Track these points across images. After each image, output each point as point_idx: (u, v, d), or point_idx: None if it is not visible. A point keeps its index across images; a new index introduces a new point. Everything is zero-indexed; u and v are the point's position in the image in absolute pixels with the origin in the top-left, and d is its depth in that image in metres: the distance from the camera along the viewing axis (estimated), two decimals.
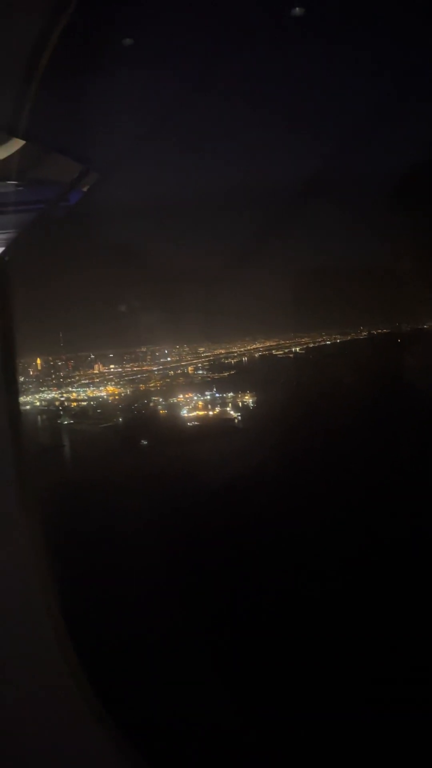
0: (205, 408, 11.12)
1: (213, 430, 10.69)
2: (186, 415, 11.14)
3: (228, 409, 11.04)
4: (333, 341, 11.23)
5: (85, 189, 5.26)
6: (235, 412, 11.00)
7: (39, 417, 11.77)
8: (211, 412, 11.02)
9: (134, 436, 10.81)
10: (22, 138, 5.02)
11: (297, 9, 4.74)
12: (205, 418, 10.97)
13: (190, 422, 11.02)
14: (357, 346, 10.83)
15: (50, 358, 11.98)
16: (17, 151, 5.14)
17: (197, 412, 11.11)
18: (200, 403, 11.20)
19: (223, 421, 10.85)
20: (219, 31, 4.63)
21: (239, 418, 10.91)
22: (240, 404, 11.09)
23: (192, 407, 11.20)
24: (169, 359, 12.03)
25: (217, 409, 11.04)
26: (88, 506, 8.72)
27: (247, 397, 11.13)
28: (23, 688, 2.63)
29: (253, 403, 11.08)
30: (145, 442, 10.65)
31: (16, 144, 5.13)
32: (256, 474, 8.22)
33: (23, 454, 2.83)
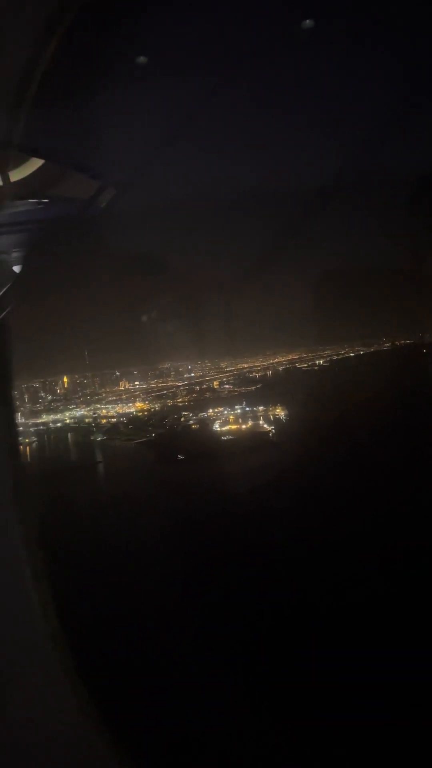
0: (237, 422, 11.06)
1: (249, 444, 10.60)
2: (219, 429, 11.12)
3: (261, 422, 10.95)
4: (356, 353, 11.17)
5: (103, 204, 5.36)
6: (269, 425, 10.91)
7: (70, 434, 11.92)
8: (243, 426, 10.94)
9: (170, 451, 10.75)
10: (41, 157, 5.16)
11: (307, 21, 4.78)
12: (239, 432, 10.90)
13: (224, 436, 10.99)
14: (382, 357, 10.75)
15: (76, 376, 12.14)
16: (36, 171, 5.28)
17: (230, 426, 11.07)
18: (231, 417, 11.16)
19: (257, 435, 10.75)
20: (231, 43, 4.70)
21: (273, 431, 10.82)
22: (272, 418, 11.00)
23: (224, 421, 11.17)
24: (192, 374, 12.09)
25: (250, 423, 10.95)
26: (127, 521, 8.75)
27: (278, 411, 11.03)
28: (23, 700, 2.64)
29: (285, 416, 10.96)
30: (182, 457, 10.62)
31: (35, 164, 5.27)
32: (299, 488, 8.15)
33: (21, 472, 2.87)
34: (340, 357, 11.36)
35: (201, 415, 11.40)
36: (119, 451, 11.52)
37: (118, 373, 12.18)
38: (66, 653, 2.88)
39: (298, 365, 11.88)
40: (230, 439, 10.87)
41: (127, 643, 6.10)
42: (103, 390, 12.21)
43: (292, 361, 11.96)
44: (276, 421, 10.95)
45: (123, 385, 12.24)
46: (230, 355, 11.84)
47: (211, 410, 11.40)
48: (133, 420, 11.78)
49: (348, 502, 8.02)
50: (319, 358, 11.58)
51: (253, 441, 10.62)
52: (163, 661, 5.68)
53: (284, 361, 12.05)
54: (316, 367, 11.55)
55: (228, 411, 11.25)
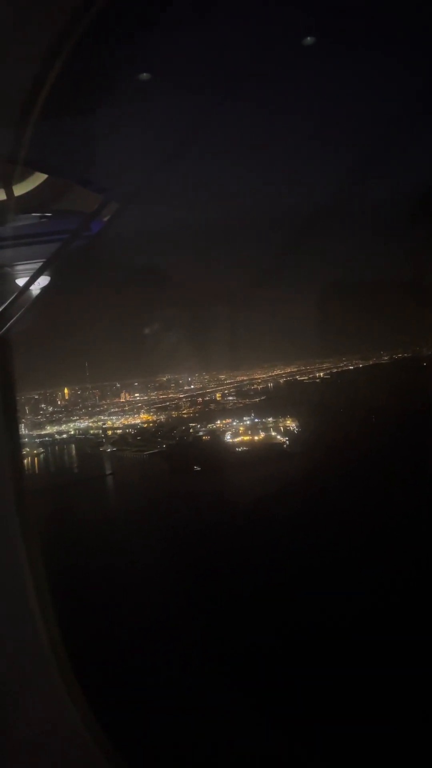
0: (248, 433, 11.04)
1: (265, 455, 10.58)
2: (232, 440, 11.10)
3: (273, 434, 10.94)
4: (356, 366, 11.22)
5: (106, 219, 5.40)
6: (281, 437, 10.90)
7: (74, 445, 11.94)
8: (256, 438, 10.93)
9: (186, 462, 10.73)
10: (45, 172, 5.21)
11: (308, 38, 4.82)
12: (252, 443, 10.89)
13: (238, 447, 10.97)
14: (383, 370, 10.79)
15: (77, 388, 12.17)
16: (40, 185, 5.34)
17: (242, 437, 11.05)
18: (241, 428, 11.15)
19: (272, 446, 10.74)
20: (231, 62, 4.75)
21: (288, 443, 10.80)
22: (282, 429, 11.00)
23: (235, 433, 11.17)
24: (192, 386, 12.12)
25: (262, 435, 10.94)
26: (144, 532, 8.68)
27: (288, 422, 11.04)
28: (24, 711, 2.64)
29: (296, 428, 10.94)
30: (198, 468, 10.59)
31: (38, 178, 5.32)
32: (322, 499, 8.11)
33: (23, 484, 2.88)
34: (339, 370, 11.41)
35: (210, 426, 11.45)
36: (130, 462, 11.52)
37: (118, 385, 12.22)
38: (67, 665, 2.87)
39: (298, 378, 11.92)
40: (245, 450, 10.84)
41: (131, 657, 6.07)
42: (103, 402, 12.24)
43: (291, 374, 12.01)
44: (288, 433, 10.93)
45: (124, 396, 12.28)
46: (229, 368, 11.87)
47: (219, 422, 11.42)
48: (141, 431, 11.83)
49: (368, 509, 8.00)
50: (318, 371, 11.63)
51: (269, 452, 10.59)
52: (167, 675, 5.65)
53: (283, 373, 12.10)
54: (318, 380, 11.58)
55: (237, 422, 11.26)
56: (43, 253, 5.57)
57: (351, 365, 11.28)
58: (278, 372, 12.14)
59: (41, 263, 5.51)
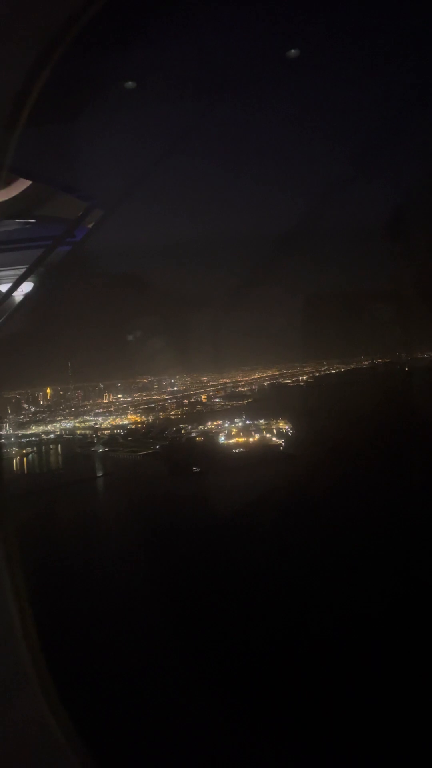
0: (241, 435, 10.98)
1: (263, 456, 10.52)
2: (227, 441, 11.01)
3: (268, 435, 10.88)
4: (337, 370, 11.32)
5: (89, 225, 5.45)
6: (277, 438, 10.85)
7: (64, 445, 11.80)
8: (251, 439, 10.86)
9: (184, 463, 10.62)
10: (29, 178, 5.24)
11: (293, 51, 4.90)
12: (247, 444, 10.82)
13: (234, 449, 10.88)
14: (364, 374, 10.88)
15: (59, 388, 12.14)
16: (24, 191, 5.36)
17: (236, 438, 10.97)
18: (234, 429, 11.09)
19: (268, 448, 10.68)
20: (216, 73, 4.81)
21: (283, 444, 10.75)
22: (275, 431, 10.95)
23: (228, 434, 11.09)
24: (176, 388, 12.15)
25: (257, 436, 10.88)
26: (141, 534, 8.47)
27: (281, 424, 10.98)
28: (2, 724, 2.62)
29: (290, 429, 10.89)
30: (198, 469, 10.49)
31: (22, 184, 5.35)
32: (323, 500, 8.08)
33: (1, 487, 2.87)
34: (322, 373, 11.50)
35: (201, 428, 11.37)
36: (124, 463, 11.36)
37: (102, 386, 12.20)
38: (47, 676, 2.87)
39: (282, 381, 11.98)
40: (243, 451, 10.77)
41: (117, 669, 5.99)
42: (86, 402, 12.22)
43: (273, 377, 12.08)
44: (283, 435, 10.88)
45: (107, 397, 12.27)
46: (210, 370, 11.91)
47: (210, 423, 11.36)
48: (130, 432, 11.71)
49: (367, 508, 8.01)
50: (300, 374, 11.71)
51: (267, 454, 10.56)
52: (154, 685, 5.59)
53: (266, 376, 12.17)
54: (302, 383, 11.64)
55: (229, 424, 11.21)
56: (26, 258, 5.61)
57: (333, 369, 11.37)
58: (260, 375, 12.21)
59: (25, 268, 5.56)
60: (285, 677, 5.78)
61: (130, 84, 4.54)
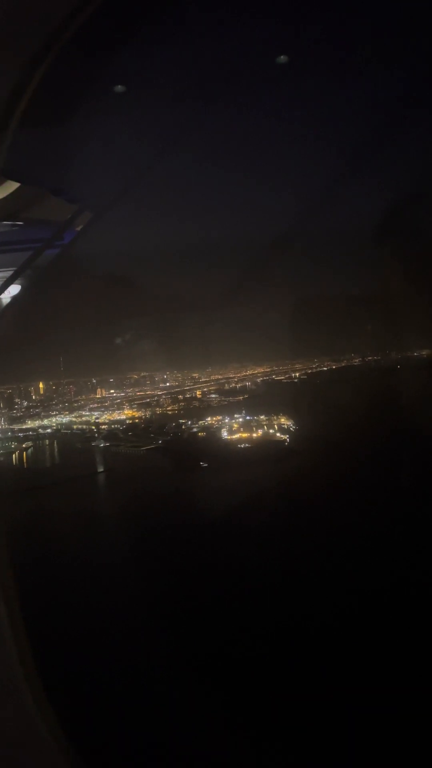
0: (243, 430, 10.91)
1: (269, 452, 10.47)
2: (230, 437, 10.95)
3: (271, 431, 10.84)
4: (329, 367, 11.37)
5: (78, 228, 5.45)
6: (280, 434, 10.80)
7: (63, 440, 11.68)
8: (254, 435, 10.80)
9: (191, 459, 10.54)
10: (18, 181, 5.22)
11: (282, 57, 4.91)
12: (252, 440, 10.76)
13: (240, 444, 10.82)
14: (357, 371, 10.94)
15: (51, 383, 12.13)
16: (12, 193, 5.34)
17: (240, 434, 10.90)
18: (235, 425, 11.03)
19: (274, 444, 10.63)
20: (207, 77, 4.81)
21: (288, 440, 10.71)
22: (277, 426, 10.91)
23: (230, 430, 11.02)
24: (168, 384, 12.16)
25: (260, 432, 10.84)
26: (150, 529, 8.56)
27: (282, 420, 10.93)
28: None
29: (293, 425, 10.81)
30: (205, 464, 10.41)
31: (10, 186, 5.33)
32: (334, 495, 8.10)
33: None
34: (314, 370, 11.54)
35: (201, 423, 11.33)
36: (127, 458, 11.23)
37: (94, 381, 12.21)
38: (36, 677, 2.86)
39: (275, 377, 12.02)
40: (247, 447, 10.71)
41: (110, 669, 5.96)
42: (80, 397, 12.22)
43: (265, 374, 12.12)
44: (286, 430, 10.84)
45: (100, 392, 12.28)
46: (202, 367, 11.92)
47: (210, 418, 11.34)
48: (129, 427, 11.63)
49: (369, 504, 8.07)
50: (292, 371, 11.75)
51: (272, 449, 10.51)
52: (146, 689, 5.57)
53: (258, 373, 12.20)
54: (295, 380, 11.66)
55: (229, 420, 11.16)
56: (14, 261, 5.60)
57: (324, 366, 11.43)
58: (251, 372, 12.25)
59: (13, 270, 5.55)
60: (285, 677, 5.85)
61: (120, 88, 4.54)
